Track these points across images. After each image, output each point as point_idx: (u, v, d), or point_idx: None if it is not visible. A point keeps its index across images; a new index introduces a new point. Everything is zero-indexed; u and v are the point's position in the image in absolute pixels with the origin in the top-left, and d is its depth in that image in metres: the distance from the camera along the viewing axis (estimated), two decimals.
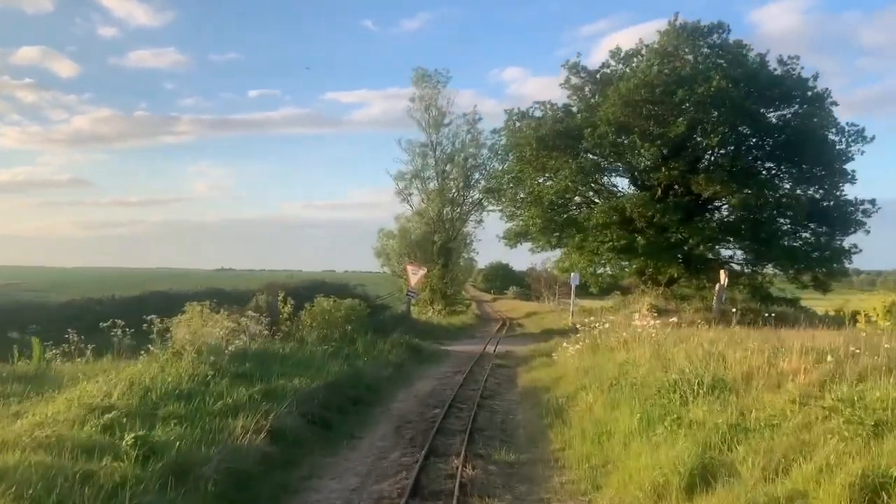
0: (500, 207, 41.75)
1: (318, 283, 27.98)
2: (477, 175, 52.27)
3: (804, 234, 35.41)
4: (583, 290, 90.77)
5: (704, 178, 31.58)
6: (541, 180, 37.05)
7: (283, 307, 21.81)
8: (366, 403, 13.06)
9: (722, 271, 31.39)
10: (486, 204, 49.18)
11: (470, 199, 53.39)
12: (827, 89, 34.48)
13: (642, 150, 31.78)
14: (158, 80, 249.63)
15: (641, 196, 32.45)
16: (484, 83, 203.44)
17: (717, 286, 30.72)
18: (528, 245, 41.48)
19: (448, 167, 52.93)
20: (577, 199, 37.93)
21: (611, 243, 32.71)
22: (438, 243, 51.24)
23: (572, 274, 30.47)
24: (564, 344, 16.90)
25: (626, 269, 35.67)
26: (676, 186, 34.40)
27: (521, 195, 37.45)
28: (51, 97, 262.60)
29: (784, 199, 32.06)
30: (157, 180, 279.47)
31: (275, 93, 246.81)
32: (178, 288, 30.13)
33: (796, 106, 34.12)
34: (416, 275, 29.79)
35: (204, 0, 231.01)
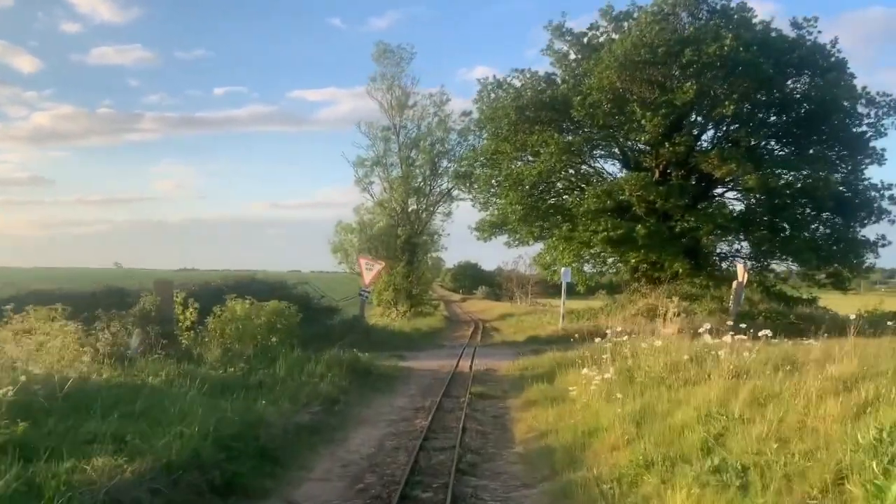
0: (472, 195, 36.00)
1: (244, 283, 21.61)
2: (445, 162, 46.22)
3: (813, 225, 30.28)
4: (558, 290, 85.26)
5: (717, 154, 26.11)
6: (520, 163, 31.33)
7: (181, 312, 15.74)
8: (247, 493, 7.01)
9: (740, 265, 25.95)
10: (455, 193, 43.49)
11: (437, 189, 47.45)
12: (845, 58, 29.43)
13: (643, 121, 26.16)
14: (123, 77, 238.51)
15: (641, 177, 26.86)
16: (452, 82, 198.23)
17: (735, 284, 25.25)
18: (503, 238, 35.88)
19: (413, 153, 46.85)
20: (561, 184, 32.27)
21: (605, 233, 27.08)
22: (402, 237, 45.13)
23: (563, 269, 24.76)
24: (584, 370, 10.92)
25: (622, 265, 30.02)
26: (670, 170, 28.94)
27: (498, 179, 31.61)
28: (10, 93, 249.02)
29: (808, 181, 26.77)
30: (121, 179, 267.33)
31: (241, 90, 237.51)
32: (75, 288, 23.54)
33: (810, 75, 28.93)
34: (370, 270, 23.74)
35: None
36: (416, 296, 47.30)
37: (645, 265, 30.01)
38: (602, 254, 32.24)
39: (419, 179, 46.95)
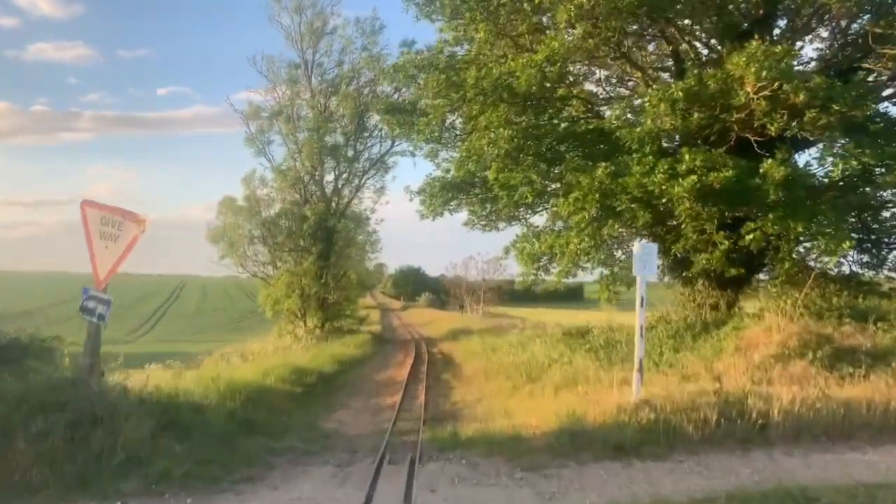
0: (415, 139, 20.45)
1: None
2: (378, 117, 30.50)
3: None
4: (514, 297, 69.57)
5: None
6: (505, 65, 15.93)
7: None
8: None
9: None
10: (395, 150, 27.86)
11: (366, 154, 31.74)
12: None
13: None
14: (61, 75, 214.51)
15: (784, 51, 11.81)
16: None
17: None
18: (459, 217, 20.65)
19: (332, 101, 31.10)
20: (572, 107, 16.95)
21: (695, 177, 11.93)
22: (312, 219, 29.24)
23: (638, 245, 9.26)
24: None
25: (695, 250, 14.56)
26: None
27: (464, 95, 15.97)
28: None
29: None
30: (55, 180, 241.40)
31: (185, 91, 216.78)
32: None
33: None
34: (111, 240, 7.79)
35: None
36: (333, 305, 31.33)
37: (710, 257, 14.73)
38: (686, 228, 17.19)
39: (339, 138, 31.17)
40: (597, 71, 16.53)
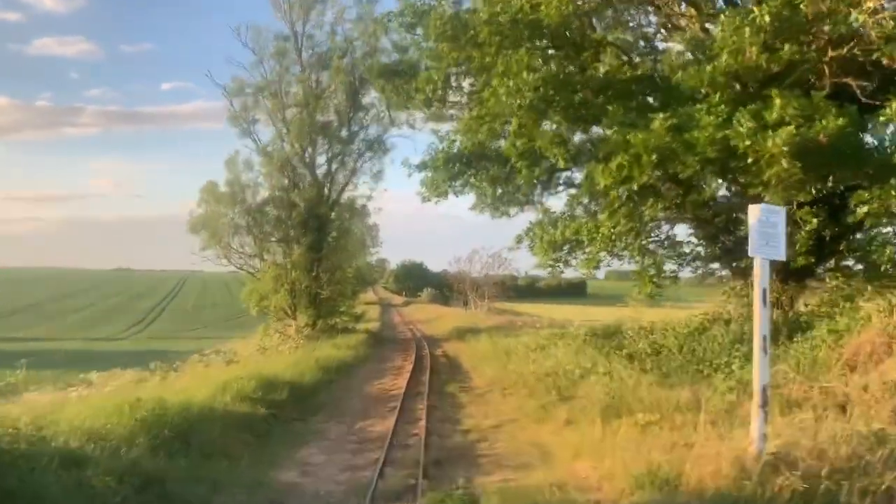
0: (415, 100, 17.19)
1: None
2: (373, 93, 27.12)
3: None
4: (519, 293, 66.42)
5: None
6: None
7: None
8: None
9: None
10: (384, 117, 24.61)
11: (361, 136, 28.46)
12: None
13: None
14: (64, 70, 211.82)
15: None
16: None
17: None
18: (466, 199, 17.59)
19: (323, 77, 27.87)
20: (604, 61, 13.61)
21: (792, 129, 8.62)
22: (301, 207, 26.03)
23: (756, 212, 6.10)
24: None
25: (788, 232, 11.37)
26: None
27: (472, 34, 12.67)
28: None
29: None
30: (56, 175, 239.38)
31: (188, 86, 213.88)
32: None
33: None
34: None
35: None
36: (326, 301, 28.08)
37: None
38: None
39: (331, 117, 27.89)
40: (635, 16, 13.23)
